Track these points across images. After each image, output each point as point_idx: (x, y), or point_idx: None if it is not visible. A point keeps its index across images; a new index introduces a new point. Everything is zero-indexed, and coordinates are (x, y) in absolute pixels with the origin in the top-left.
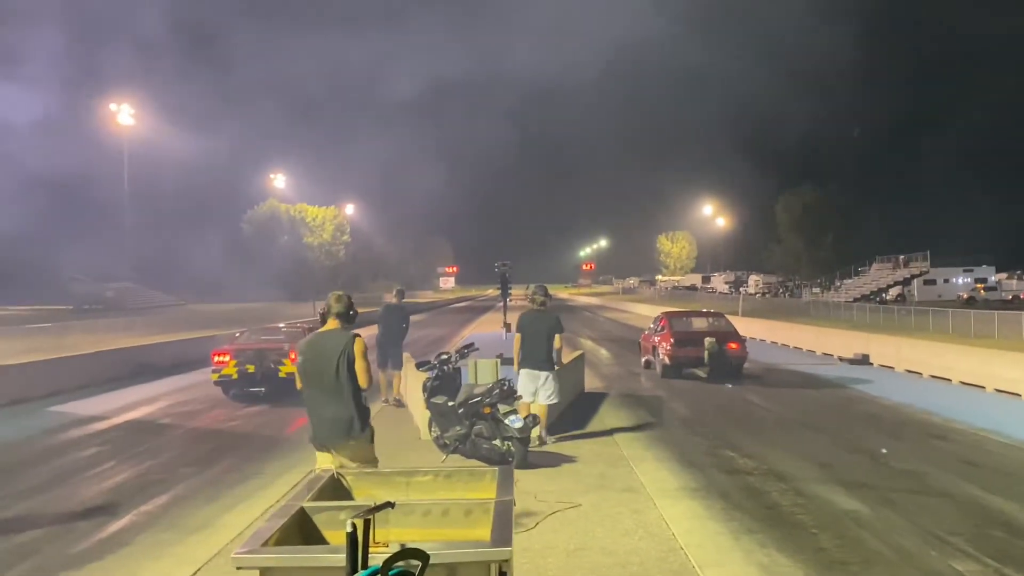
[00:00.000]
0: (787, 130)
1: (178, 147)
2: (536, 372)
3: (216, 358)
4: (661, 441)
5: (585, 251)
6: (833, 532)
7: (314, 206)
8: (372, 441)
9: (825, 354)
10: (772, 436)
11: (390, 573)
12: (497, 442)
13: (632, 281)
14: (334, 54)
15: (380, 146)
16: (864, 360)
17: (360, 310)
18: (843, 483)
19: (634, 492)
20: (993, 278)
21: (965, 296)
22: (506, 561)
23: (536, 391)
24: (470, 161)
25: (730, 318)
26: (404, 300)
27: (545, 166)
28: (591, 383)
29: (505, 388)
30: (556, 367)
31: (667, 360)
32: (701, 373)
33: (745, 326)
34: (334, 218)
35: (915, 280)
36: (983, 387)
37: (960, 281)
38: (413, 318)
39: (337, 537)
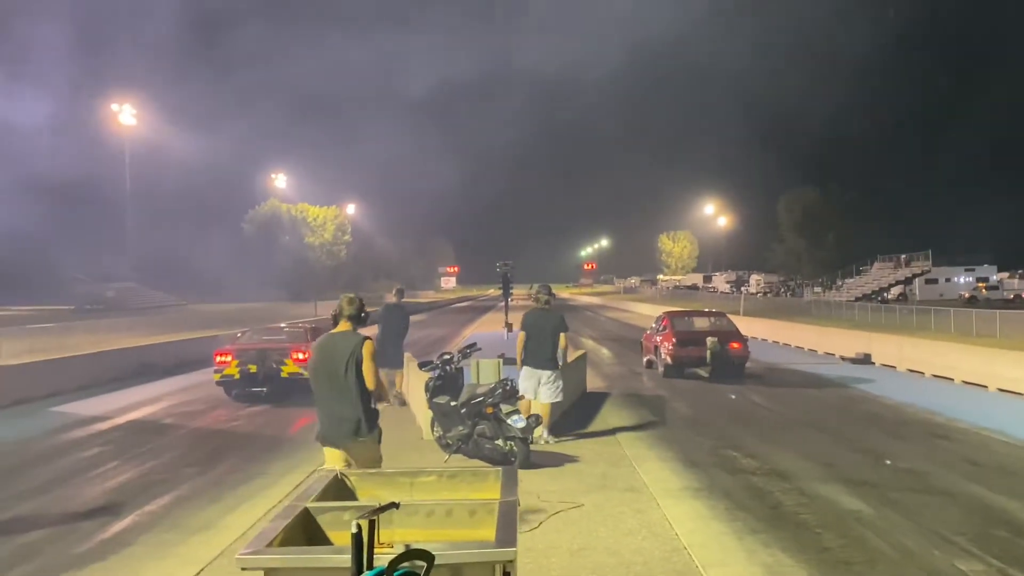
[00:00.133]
0: (786, 131)
1: (179, 147)
2: (540, 371)
3: (218, 358)
4: (663, 441)
5: (586, 251)
6: (837, 532)
7: (315, 206)
8: (379, 442)
9: (827, 353)
10: (775, 436)
11: (395, 574)
12: (500, 442)
13: (633, 281)
14: (334, 54)
15: (381, 146)
16: (866, 359)
17: None
18: (846, 482)
19: (637, 492)
20: (995, 277)
21: (967, 295)
22: (511, 562)
23: (538, 388)
24: (471, 160)
25: (732, 318)
26: (404, 300)
27: (546, 166)
28: (593, 383)
29: (508, 388)
30: (560, 366)
31: (669, 360)
32: (703, 373)
33: (747, 326)
34: (335, 218)
35: (917, 279)
36: (985, 386)
37: (962, 280)
38: (413, 318)
39: (341, 538)
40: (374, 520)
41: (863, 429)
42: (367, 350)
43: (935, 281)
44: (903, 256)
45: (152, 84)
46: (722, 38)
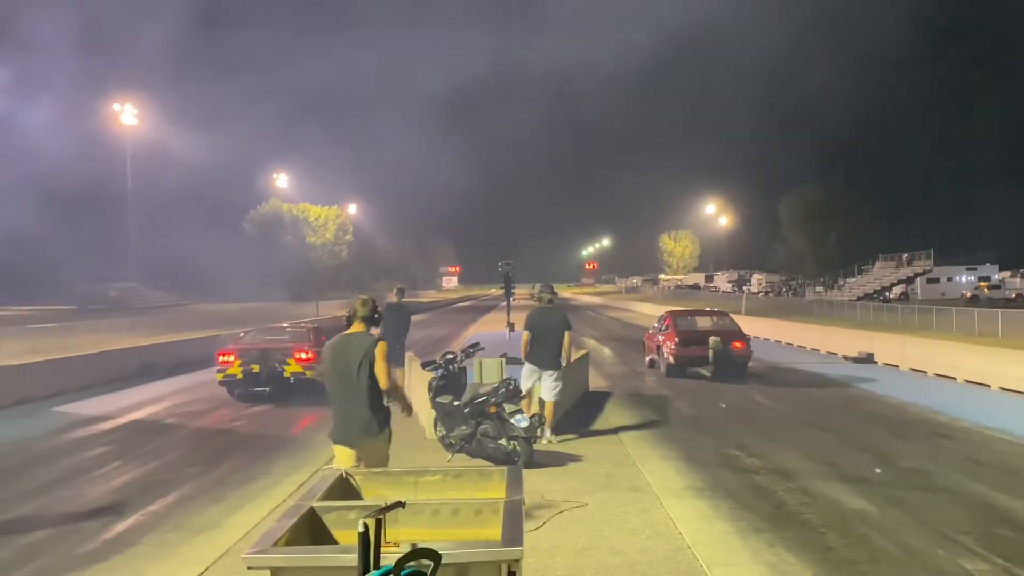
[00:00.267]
0: (787, 130)
1: (181, 146)
2: (542, 370)
3: (221, 358)
4: (667, 440)
5: (588, 250)
6: (841, 531)
7: (317, 206)
8: (388, 442)
9: (829, 353)
10: (778, 435)
11: (402, 573)
12: (503, 441)
13: (635, 280)
14: (334, 54)
15: (382, 146)
16: (868, 359)
17: None
18: (849, 481)
19: (640, 491)
20: (996, 276)
21: (968, 294)
22: (517, 561)
23: (538, 382)
24: (473, 160)
25: (734, 317)
26: (405, 299)
27: (548, 165)
28: (595, 382)
29: (510, 388)
30: (564, 364)
31: (671, 359)
32: (705, 372)
33: (749, 325)
34: (337, 217)
35: (918, 278)
36: (988, 385)
37: (964, 279)
38: (415, 318)
39: (347, 537)
40: (380, 519)
41: (866, 428)
42: (380, 351)
43: (937, 280)
44: (905, 255)
45: (152, 83)
46: (722, 38)
